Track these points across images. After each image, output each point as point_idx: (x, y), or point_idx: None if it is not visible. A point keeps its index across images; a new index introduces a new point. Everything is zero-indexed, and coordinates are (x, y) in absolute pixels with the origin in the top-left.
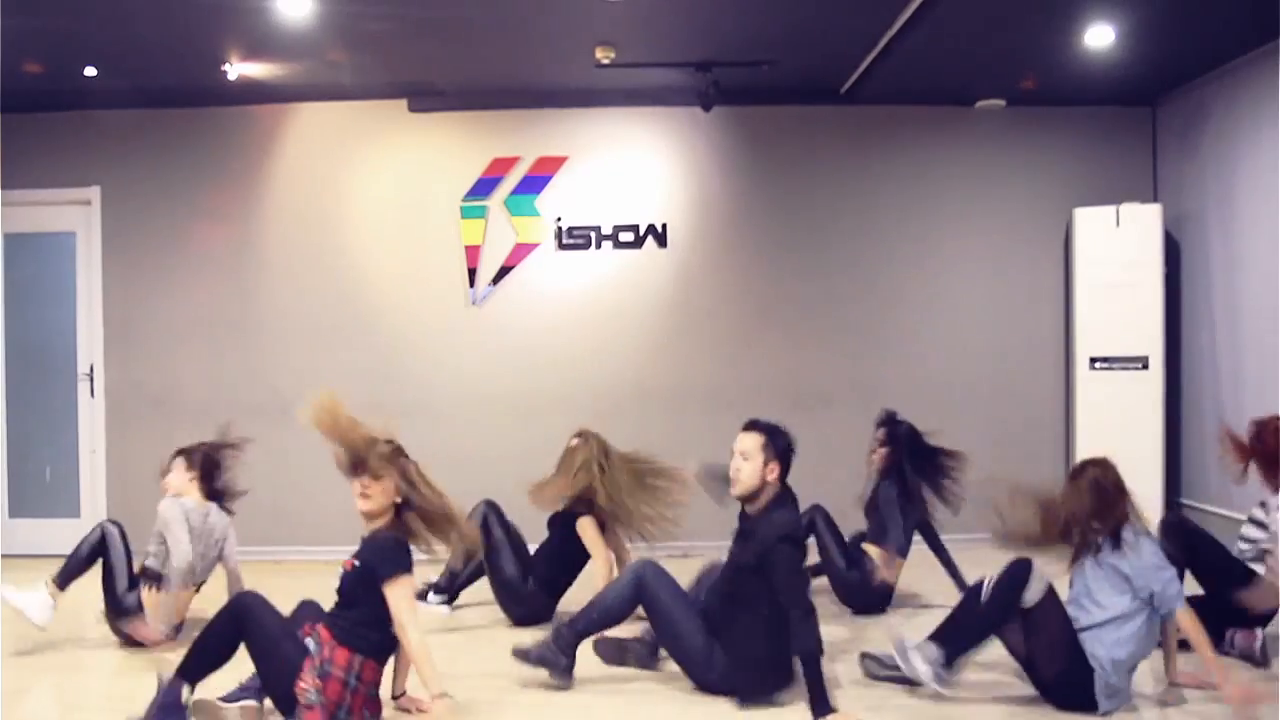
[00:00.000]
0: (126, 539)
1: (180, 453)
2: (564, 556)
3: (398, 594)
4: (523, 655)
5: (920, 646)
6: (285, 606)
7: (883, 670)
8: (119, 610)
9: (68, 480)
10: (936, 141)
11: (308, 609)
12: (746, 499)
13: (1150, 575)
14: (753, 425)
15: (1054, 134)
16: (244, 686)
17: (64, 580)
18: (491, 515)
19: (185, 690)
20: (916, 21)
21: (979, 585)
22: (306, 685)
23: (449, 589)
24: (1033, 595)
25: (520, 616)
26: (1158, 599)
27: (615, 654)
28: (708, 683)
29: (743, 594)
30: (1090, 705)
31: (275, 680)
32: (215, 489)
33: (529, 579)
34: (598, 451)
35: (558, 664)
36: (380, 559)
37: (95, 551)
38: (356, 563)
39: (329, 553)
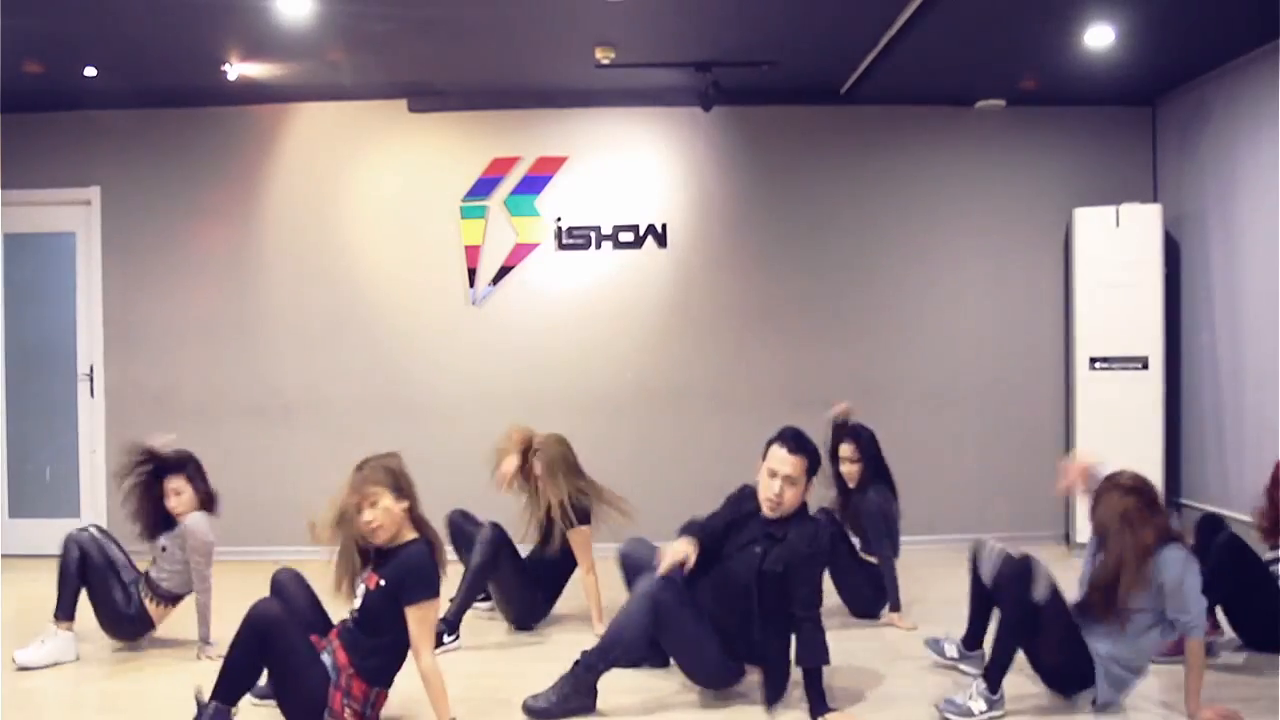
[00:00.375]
0: (103, 545)
1: (177, 471)
2: (562, 560)
3: (420, 618)
4: (544, 711)
5: (969, 693)
6: None
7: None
8: (121, 621)
9: (68, 480)
10: (936, 141)
11: (292, 586)
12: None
13: (1185, 604)
14: (798, 448)
15: (1054, 134)
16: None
17: (68, 611)
18: (466, 524)
19: (221, 710)
20: (916, 21)
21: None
22: None
23: (455, 623)
24: (1041, 593)
25: (521, 620)
26: (1180, 624)
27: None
28: (721, 688)
29: (769, 602)
30: (1088, 687)
31: (297, 704)
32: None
33: (533, 587)
34: (558, 449)
35: (585, 706)
36: (411, 579)
37: (80, 569)
38: (382, 581)
39: (328, 552)
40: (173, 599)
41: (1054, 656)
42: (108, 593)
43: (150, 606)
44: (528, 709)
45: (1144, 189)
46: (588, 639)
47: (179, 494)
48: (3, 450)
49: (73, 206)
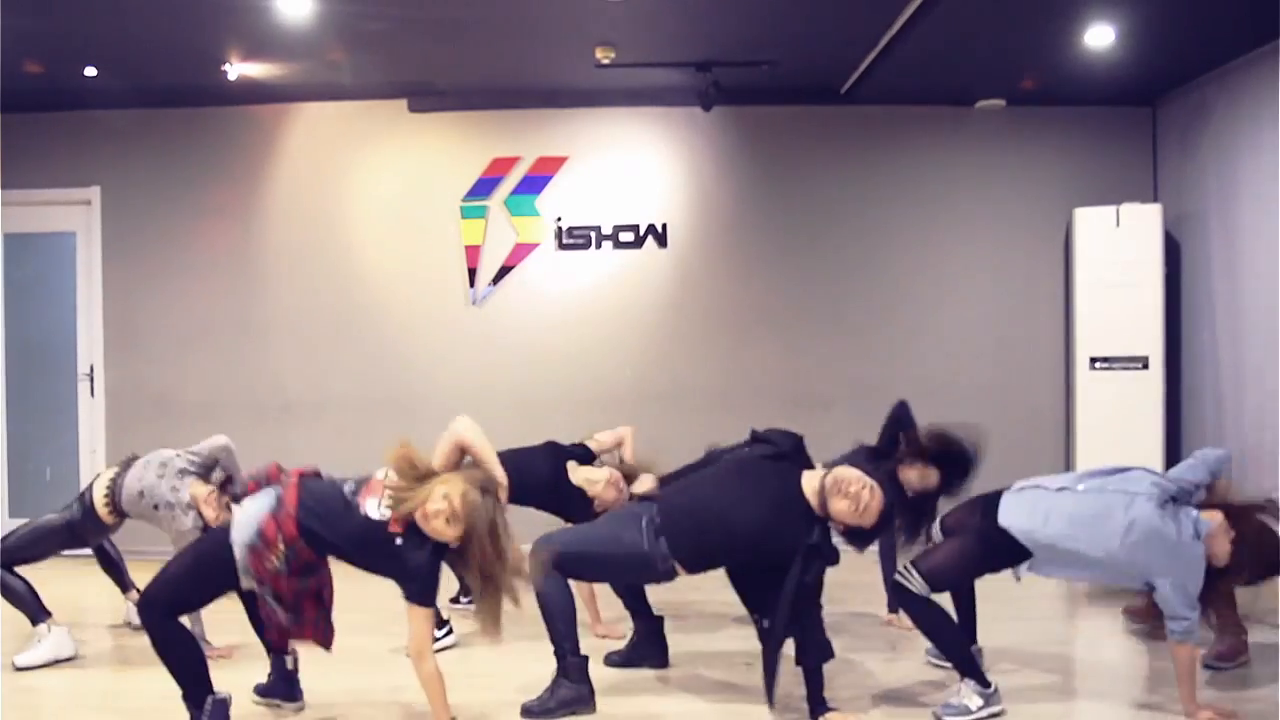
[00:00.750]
0: (12, 545)
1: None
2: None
3: (420, 620)
4: (543, 712)
5: (960, 692)
6: None
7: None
8: (73, 534)
9: (68, 480)
10: (936, 141)
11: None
12: (852, 526)
13: (1189, 603)
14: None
15: (1054, 134)
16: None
17: (42, 614)
18: None
19: (217, 701)
20: (916, 21)
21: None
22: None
23: (442, 620)
24: (918, 585)
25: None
26: (1176, 628)
27: (626, 660)
28: (664, 574)
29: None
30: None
31: (218, 568)
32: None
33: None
34: None
35: (581, 696)
36: (415, 578)
37: (21, 579)
38: (398, 540)
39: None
40: (122, 514)
41: (971, 570)
42: (42, 542)
43: (101, 509)
44: (525, 710)
45: (1144, 189)
46: (586, 642)
47: (208, 501)
48: (3, 450)
49: (73, 206)
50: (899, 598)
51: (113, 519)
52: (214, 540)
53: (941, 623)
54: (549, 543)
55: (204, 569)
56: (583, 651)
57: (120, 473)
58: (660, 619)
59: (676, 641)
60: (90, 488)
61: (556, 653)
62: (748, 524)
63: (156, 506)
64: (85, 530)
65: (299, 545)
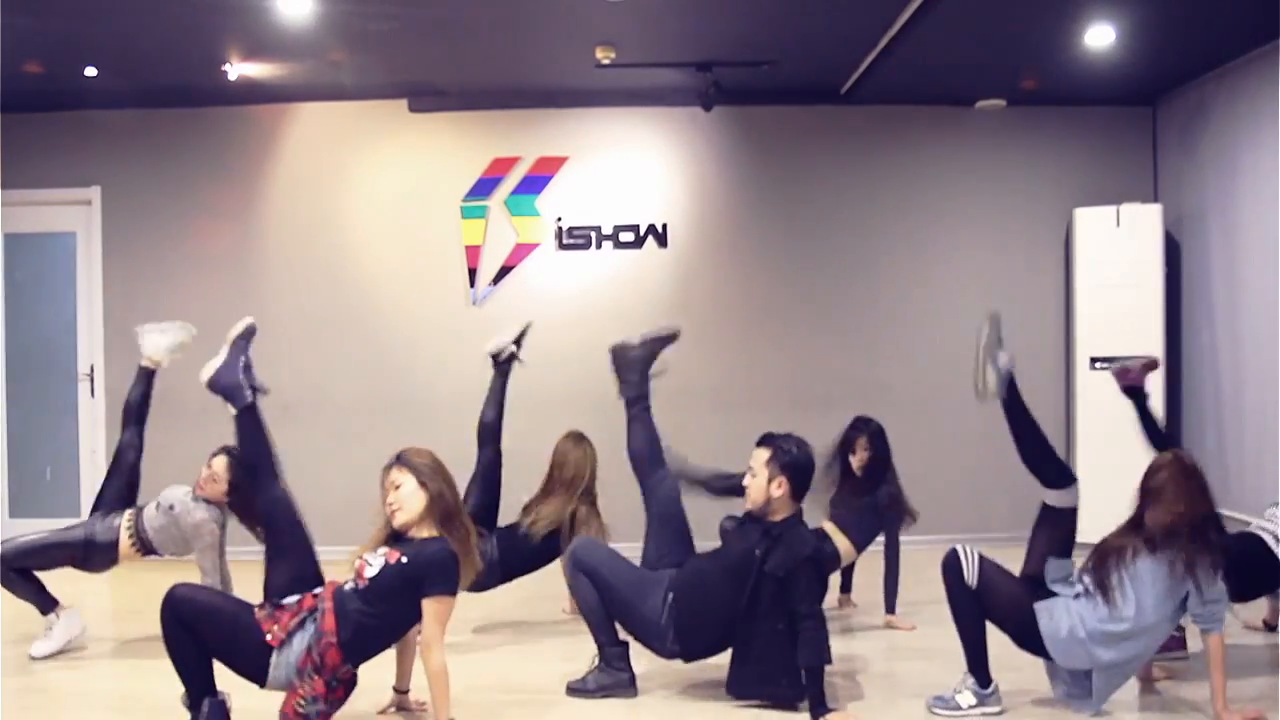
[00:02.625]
0: (11, 541)
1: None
2: (538, 558)
3: (436, 612)
4: (582, 691)
5: (957, 686)
6: None
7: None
8: (88, 553)
9: (68, 480)
10: (936, 141)
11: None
12: (760, 510)
13: (1213, 604)
14: (764, 440)
15: (1054, 134)
16: None
17: (49, 603)
18: None
19: (215, 703)
20: (916, 21)
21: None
22: (306, 693)
23: None
24: (971, 576)
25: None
26: (1202, 617)
27: None
28: (665, 652)
29: (764, 604)
30: (1044, 652)
31: (240, 658)
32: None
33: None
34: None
35: (620, 681)
36: (433, 570)
37: (23, 573)
38: (404, 558)
39: (329, 552)
40: (148, 550)
41: (1012, 625)
42: (54, 552)
43: (124, 540)
44: (569, 687)
45: (1144, 189)
46: (583, 643)
47: (215, 479)
48: (3, 450)
49: (73, 206)
50: (949, 573)
51: (137, 554)
52: (258, 641)
53: (974, 615)
54: (588, 552)
55: (237, 636)
56: (577, 649)
57: (136, 517)
58: None
59: None
60: (97, 526)
61: (600, 645)
62: (721, 570)
63: (173, 507)
64: (96, 555)
65: (341, 669)
